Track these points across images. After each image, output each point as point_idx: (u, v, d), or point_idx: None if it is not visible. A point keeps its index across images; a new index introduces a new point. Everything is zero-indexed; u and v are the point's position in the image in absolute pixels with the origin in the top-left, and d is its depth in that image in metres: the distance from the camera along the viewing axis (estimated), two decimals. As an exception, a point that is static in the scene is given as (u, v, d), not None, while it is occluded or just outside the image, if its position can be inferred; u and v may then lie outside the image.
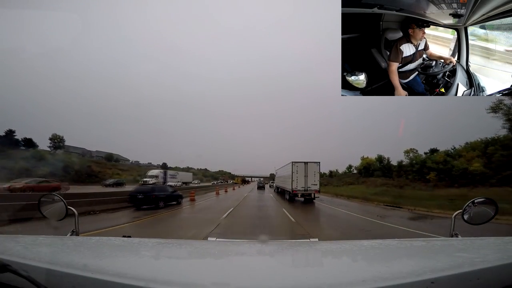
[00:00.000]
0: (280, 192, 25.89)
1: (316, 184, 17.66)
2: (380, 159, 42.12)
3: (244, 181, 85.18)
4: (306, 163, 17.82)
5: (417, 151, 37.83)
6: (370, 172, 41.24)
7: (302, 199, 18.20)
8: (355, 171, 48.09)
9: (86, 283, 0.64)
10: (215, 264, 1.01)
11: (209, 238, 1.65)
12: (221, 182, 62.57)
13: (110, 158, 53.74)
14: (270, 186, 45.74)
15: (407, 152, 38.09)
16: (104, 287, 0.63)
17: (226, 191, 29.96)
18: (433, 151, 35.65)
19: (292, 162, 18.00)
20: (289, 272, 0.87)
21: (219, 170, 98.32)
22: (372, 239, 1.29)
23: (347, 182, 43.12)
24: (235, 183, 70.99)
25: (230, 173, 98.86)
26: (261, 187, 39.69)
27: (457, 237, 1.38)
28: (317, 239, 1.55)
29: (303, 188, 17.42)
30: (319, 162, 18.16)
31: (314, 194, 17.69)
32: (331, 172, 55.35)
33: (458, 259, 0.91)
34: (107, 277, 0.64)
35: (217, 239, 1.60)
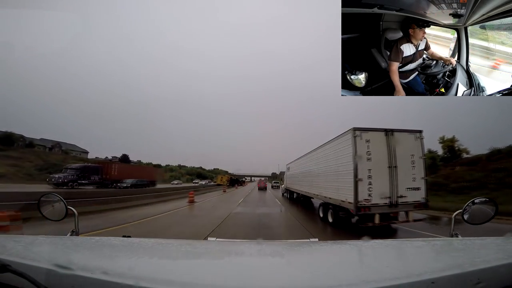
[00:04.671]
0: (296, 199, 16.33)
1: (419, 188, 6.82)
2: None
3: (235, 181, 49.14)
4: (389, 132, 6.90)
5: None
6: None
7: (373, 221, 6.60)
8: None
9: (86, 283, 0.64)
10: (215, 264, 1.01)
11: (209, 238, 1.66)
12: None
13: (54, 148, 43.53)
14: (272, 187, 41.34)
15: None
16: (104, 287, 0.63)
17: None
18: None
19: (354, 130, 6.78)
20: (289, 272, 0.87)
21: (214, 169, 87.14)
22: (372, 239, 1.29)
23: None
24: (219, 184, 41.36)
25: (227, 172, 78.61)
26: (262, 188, 36.87)
27: (457, 237, 1.38)
28: (317, 239, 1.55)
29: (389, 201, 6.57)
30: (421, 132, 7.04)
31: (410, 213, 6.83)
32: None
33: (458, 259, 0.91)
34: (107, 277, 0.64)
35: (217, 239, 1.60)
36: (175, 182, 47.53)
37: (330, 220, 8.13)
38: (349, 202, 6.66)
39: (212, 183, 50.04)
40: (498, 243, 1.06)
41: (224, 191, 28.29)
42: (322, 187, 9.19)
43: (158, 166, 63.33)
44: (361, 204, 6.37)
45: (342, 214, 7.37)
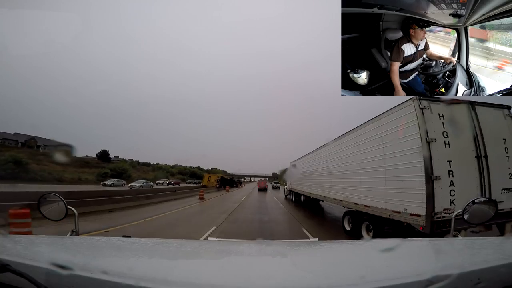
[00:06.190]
0: (303, 202, 13.63)
1: None
2: None
3: (227, 182, 37.59)
4: (472, 106, 4.26)
5: None
6: None
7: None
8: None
9: (86, 283, 0.64)
10: (215, 264, 1.01)
11: (209, 238, 1.66)
12: None
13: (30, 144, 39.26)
14: (272, 187, 40.51)
15: None
16: (104, 287, 0.63)
17: None
18: None
19: (419, 100, 3.89)
20: (289, 272, 0.87)
21: (212, 168, 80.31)
22: (372, 239, 1.29)
23: None
24: (204, 186, 30.01)
25: (226, 171, 71.64)
26: (262, 189, 34.56)
27: (457, 237, 1.38)
28: (317, 239, 1.56)
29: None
30: (510, 108, 4.54)
31: (507, 225, 4.01)
32: None
33: (458, 259, 0.91)
34: (107, 277, 0.64)
35: (217, 239, 1.61)
36: (108, 182, 29.00)
37: (366, 237, 5.61)
38: (413, 214, 4.14)
39: (188, 183, 40.60)
40: (498, 243, 1.06)
41: (202, 198, 16.84)
42: (352, 189, 6.42)
43: (147, 164, 58.92)
44: (439, 217, 3.79)
45: (388, 229, 5.04)
